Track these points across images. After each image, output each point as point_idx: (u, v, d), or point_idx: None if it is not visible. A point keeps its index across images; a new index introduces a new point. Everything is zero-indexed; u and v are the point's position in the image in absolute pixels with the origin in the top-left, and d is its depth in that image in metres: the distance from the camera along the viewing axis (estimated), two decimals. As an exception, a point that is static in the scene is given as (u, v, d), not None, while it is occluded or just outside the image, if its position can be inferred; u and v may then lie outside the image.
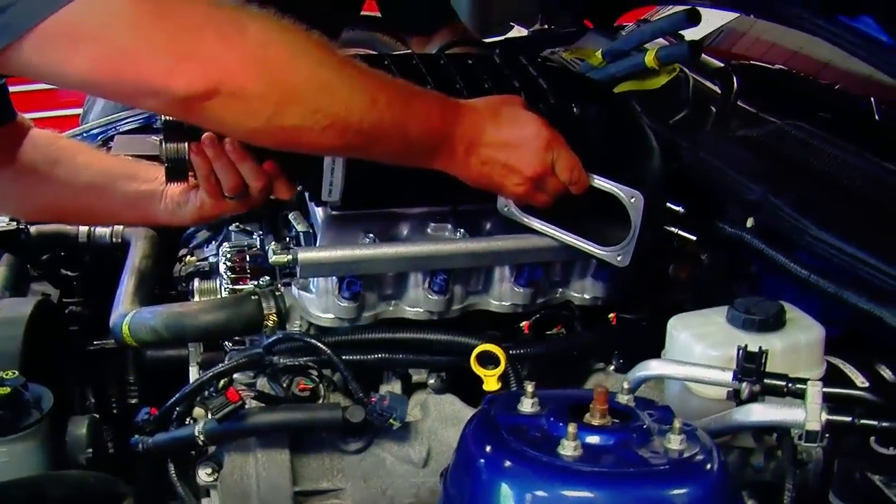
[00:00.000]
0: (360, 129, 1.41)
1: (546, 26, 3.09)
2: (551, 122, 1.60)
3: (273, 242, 1.71)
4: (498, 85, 1.74)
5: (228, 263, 1.94)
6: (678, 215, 1.74)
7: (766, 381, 1.36)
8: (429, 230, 1.75)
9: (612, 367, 1.83)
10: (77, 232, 2.28)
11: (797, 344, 1.50)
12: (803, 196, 1.69)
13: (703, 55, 2.27)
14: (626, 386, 1.31)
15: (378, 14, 2.97)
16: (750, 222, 1.69)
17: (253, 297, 1.75)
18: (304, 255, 1.63)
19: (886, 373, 1.55)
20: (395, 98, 1.44)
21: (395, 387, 1.75)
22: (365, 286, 1.69)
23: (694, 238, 1.73)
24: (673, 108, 2.13)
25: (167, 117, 1.62)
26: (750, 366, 1.36)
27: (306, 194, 1.77)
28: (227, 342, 1.81)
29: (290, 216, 1.87)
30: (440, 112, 1.51)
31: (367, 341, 1.69)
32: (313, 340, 1.64)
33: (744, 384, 1.36)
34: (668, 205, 1.74)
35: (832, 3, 1.72)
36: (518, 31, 3.15)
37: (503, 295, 1.77)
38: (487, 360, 1.63)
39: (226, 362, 1.69)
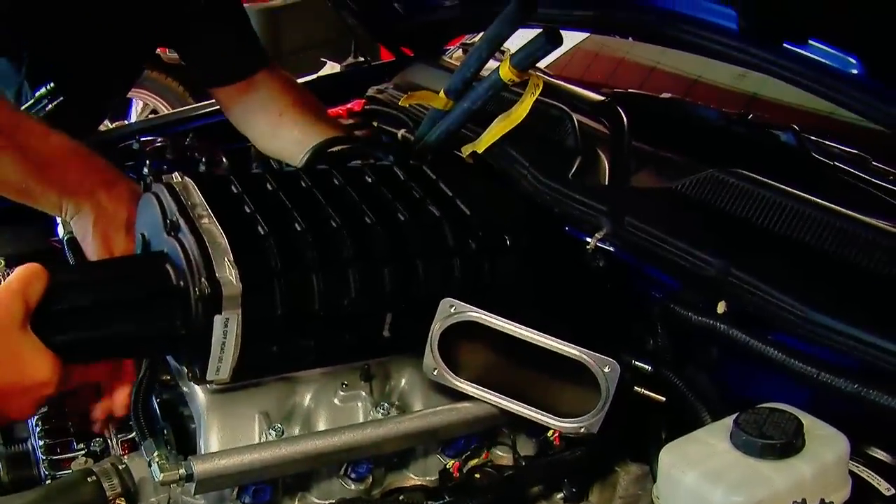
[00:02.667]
0: None
1: (361, 59, 2.71)
2: (481, 257, 1.45)
3: (155, 452, 1.30)
4: (414, 214, 1.49)
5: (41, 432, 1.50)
6: (645, 373, 1.44)
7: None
8: (336, 401, 1.45)
9: (559, 496, 1.48)
10: None
11: (825, 465, 1.21)
12: (774, 266, 1.39)
13: (576, 88, 1.95)
14: None
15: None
16: (721, 307, 1.38)
17: (89, 479, 1.34)
18: (202, 466, 1.24)
19: (881, 454, 1.31)
20: None
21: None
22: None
23: (663, 400, 1.42)
24: (563, 158, 1.78)
25: None
26: (820, 530, 1.03)
27: (184, 371, 1.40)
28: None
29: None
30: None
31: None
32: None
33: (814, 556, 1.03)
34: (637, 363, 1.44)
35: (775, 30, 1.41)
36: (332, 67, 2.76)
37: (429, 469, 1.48)
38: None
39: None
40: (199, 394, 1.40)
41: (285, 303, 1.35)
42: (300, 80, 2.54)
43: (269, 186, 1.51)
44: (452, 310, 1.41)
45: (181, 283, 1.33)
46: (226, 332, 1.31)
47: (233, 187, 1.50)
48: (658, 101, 1.99)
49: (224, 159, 2.31)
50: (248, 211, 1.44)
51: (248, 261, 1.33)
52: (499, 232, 1.51)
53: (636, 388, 1.42)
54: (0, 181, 1.73)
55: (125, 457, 1.42)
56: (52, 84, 2.09)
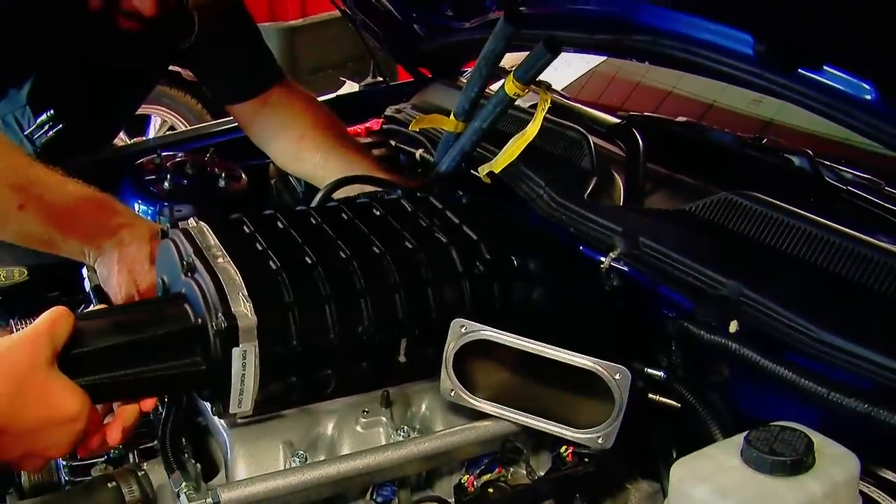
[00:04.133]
0: None
1: (380, 79, 2.74)
2: (490, 280, 1.48)
3: (183, 483, 1.32)
4: (422, 241, 1.53)
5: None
6: (659, 380, 1.45)
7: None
8: (358, 428, 1.47)
9: (569, 511, 1.49)
10: None
11: (836, 484, 1.20)
12: (787, 288, 1.41)
13: (592, 111, 1.97)
14: None
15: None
16: (734, 326, 1.39)
17: (109, 485, 1.35)
18: (229, 495, 1.27)
19: (891, 475, 1.33)
20: None
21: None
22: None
23: (678, 406, 1.44)
24: (579, 179, 1.81)
25: None
26: (830, 547, 1.04)
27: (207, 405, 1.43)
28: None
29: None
30: None
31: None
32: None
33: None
34: (648, 370, 1.46)
35: (790, 55, 1.44)
36: (350, 87, 2.79)
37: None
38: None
39: None
40: (224, 427, 1.43)
41: (300, 333, 1.39)
42: (322, 98, 2.58)
43: (279, 224, 1.56)
44: (463, 329, 1.43)
45: (199, 320, 1.37)
46: (244, 365, 1.35)
47: (245, 227, 1.54)
48: (674, 124, 2.02)
49: (243, 175, 2.35)
50: (260, 248, 1.48)
51: (261, 294, 1.37)
52: (506, 255, 1.53)
53: (650, 395, 1.43)
54: (24, 235, 1.81)
55: (144, 464, 1.44)
56: (52, 111, 2.13)
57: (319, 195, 1.87)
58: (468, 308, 1.49)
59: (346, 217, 1.61)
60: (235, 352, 1.34)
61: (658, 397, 1.46)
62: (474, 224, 1.59)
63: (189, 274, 1.43)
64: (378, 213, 1.63)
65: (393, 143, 2.41)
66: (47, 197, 1.78)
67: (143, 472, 1.40)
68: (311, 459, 1.43)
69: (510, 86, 1.82)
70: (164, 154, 2.33)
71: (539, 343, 1.40)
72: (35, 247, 1.83)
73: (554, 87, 2.08)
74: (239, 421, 1.42)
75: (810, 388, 1.29)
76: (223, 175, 2.28)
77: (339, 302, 1.42)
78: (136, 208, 2.21)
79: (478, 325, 1.43)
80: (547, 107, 1.83)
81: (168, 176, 2.24)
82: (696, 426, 1.42)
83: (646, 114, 2.09)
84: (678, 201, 1.75)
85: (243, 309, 1.35)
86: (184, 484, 1.32)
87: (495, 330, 1.42)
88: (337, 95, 2.74)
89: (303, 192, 2.33)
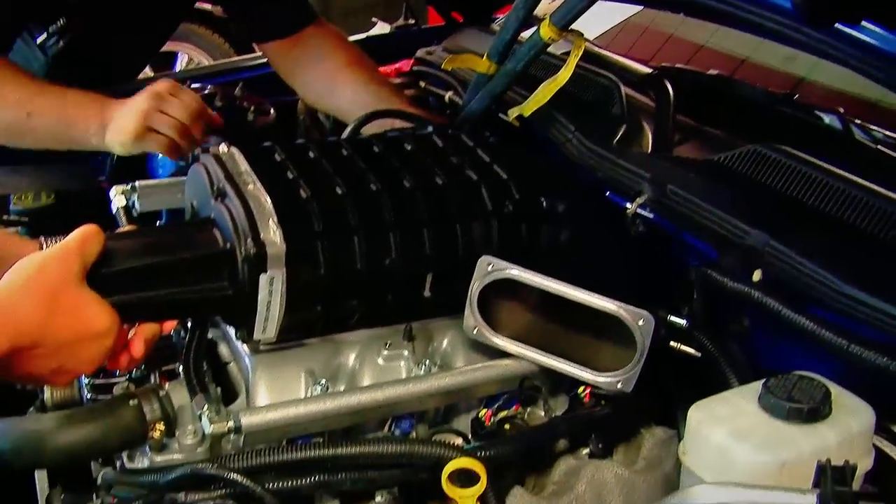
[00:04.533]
0: None
1: (411, 21, 2.73)
2: (518, 220, 1.48)
3: (205, 405, 1.34)
4: (453, 177, 1.53)
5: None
6: (681, 329, 1.45)
7: (861, 505, 1.07)
8: (380, 360, 1.48)
9: (585, 452, 1.51)
10: None
11: (850, 433, 1.23)
12: (812, 241, 1.41)
13: (624, 60, 1.97)
14: None
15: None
16: (757, 275, 1.40)
17: (130, 402, 1.35)
18: (250, 419, 1.30)
19: None
20: None
21: (333, 508, 1.37)
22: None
23: (699, 354, 1.44)
24: (609, 125, 1.81)
25: None
26: (842, 489, 1.05)
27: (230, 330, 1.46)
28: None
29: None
30: None
31: (300, 462, 1.29)
32: (234, 476, 1.24)
33: (834, 513, 1.06)
34: (670, 318, 1.46)
35: (828, 10, 1.43)
36: (381, 28, 2.78)
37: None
38: (462, 477, 1.27)
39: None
40: (247, 353, 1.45)
41: (328, 262, 1.40)
42: (353, 38, 2.58)
43: (311, 154, 1.56)
44: (490, 268, 1.44)
45: (228, 245, 1.38)
46: (271, 292, 1.36)
47: (276, 155, 1.55)
48: (705, 76, 2.01)
49: (272, 110, 2.35)
50: (291, 177, 1.48)
51: (291, 222, 1.38)
52: (536, 195, 1.54)
53: (672, 342, 1.44)
54: (41, 139, 1.90)
55: (166, 384, 1.46)
56: (63, 21, 2.14)
57: (350, 127, 1.87)
58: (495, 247, 1.50)
59: (377, 150, 1.61)
60: (263, 278, 1.35)
61: (679, 345, 1.47)
62: (505, 164, 1.58)
63: (219, 199, 1.44)
64: (409, 147, 1.63)
65: (422, 84, 2.41)
66: (53, 100, 1.89)
67: (164, 392, 1.41)
68: (332, 389, 1.44)
69: (546, 30, 1.81)
70: (193, 86, 2.33)
71: (565, 284, 1.41)
72: (57, 146, 1.92)
73: (586, 36, 2.08)
74: (262, 348, 1.44)
75: (830, 340, 1.30)
76: (252, 108, 2.28)
77: (367, 233, 1.43)
78: (165, 138, 2.22)
79: (504, 263, 1.44)
80: (580, 53, 1.82)
81: (197, 107, 2.24)
82: (714, 375, 1.43)
83: (677, 65, 2.08)
84: (706, 153, 1.75)
85: (272, 236, 1.36)
86: (206, 406, 1.34)
87: (522, 269, 1.43)
88: (368, 36, 2.73)
89: (330, 129, 2.33)
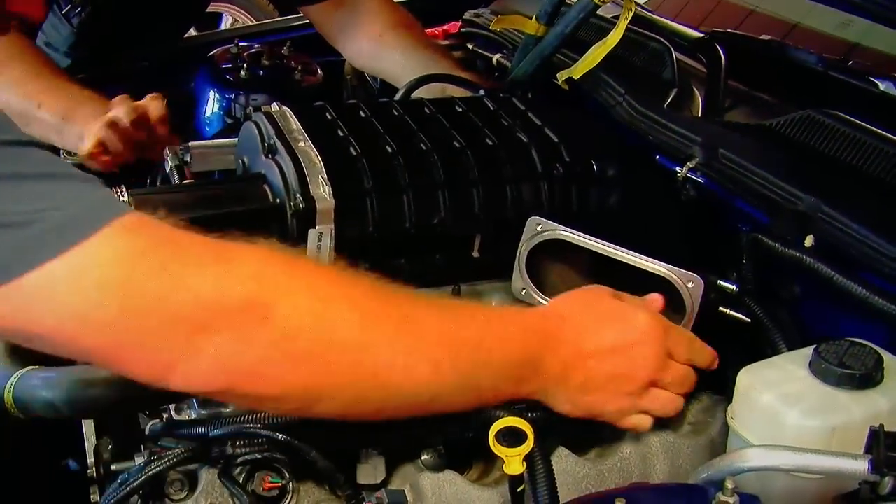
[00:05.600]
0: (415, 404, 1.14)
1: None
2: (568, 182, 1.45)
3: None
4: (503, 139, 1.53)
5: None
6: (731, 294, 1.43)
7: (913, 471, 1.06)
8: None
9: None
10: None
11: (902, 401, 1.21)
12: (866, 207, 1.40)
13: (675, 24, 1.95)
14: (729, 486, 1.04)
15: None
16: (809, 241, 1.39)
17: None
18: None
19: None
20: (461, 351, 1.15)
21: (377, 464, 1.37)
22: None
23: (749, 321, 1.42)
24: (659, 89, 1.80)
25: None
26: (895, 454, 1.05)
27: None
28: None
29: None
30: (521, 341, 1.21)
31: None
32: (278, 435, 1.24)
33: (886, 479, 1.05)
34: (721, 282, 1.43)
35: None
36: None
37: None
38: (509, 436, 1.28)
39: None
40: None
41: (377, 220, 1.41)
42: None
43: (362, 114, 1.57)
44: (539, 228, 1.44)
45: (278, 200, 1.40)
46: (319, 247, 1.38)
47: (328, 115, 1.56)
48: (756, 41, 1.98)
49: (319, 70, 2.35)
50: (341, 135, 1.49)
51: (341, 179, 1.40)
52: (587, 158, 1.53)
53: (721, 308, 1.43)
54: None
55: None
56: None
57: (401, 91, 1.87)
58: (545, 208, 1.50)
59: (428, 111, 1.61)
60: (312, 233, 1.37)
61: (728, 311, 1.46)
62: (556, 127, 1.58)
63: (270, 155, 1.46)
64: (460, 109, 1.63)
65: (470, 46, 2.40)
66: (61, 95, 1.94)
67: None
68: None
69: (598, -13, 1.79)
70: (240, 45, 2.34)
71: (614, 246, 1.41)
72: (59, 142, 1.95)
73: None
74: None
75: (884, 307, 1.28)
76: (299, 68, 2.29)
77: (416, 191, 1.44)
78: (212, 96, 2.24)
79: (553, 224, 1.44)
80: (630, 15, 1.81)
81: (244, 65, 2.25)
82: (764, 341, 1.42)
83: (728, 30, 2.06)
84: (758, 118, 1.73)
85: (322, 191, 1.38)
86: None
87: (571, 230, 1.43)
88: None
89: (378, 91, 2.33)
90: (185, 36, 2.72)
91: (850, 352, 1.23)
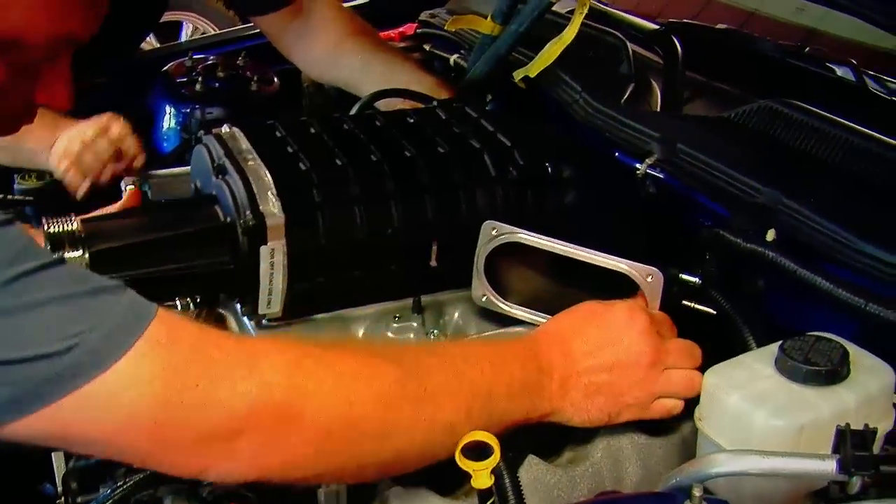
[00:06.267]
0: (432, 460, 1.20)
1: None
2: (523, 185, 1.45)
3: None
4: (455, 146, 1.52)
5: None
6: (694, 287, 1.41)
7: (882, 469, 1.04)
8: (389, 333, 1.47)
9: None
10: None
11: (870, 395, 1.19)
12: (827, 197, 1.38)
13: (631, 17, 1.93)
14: (696, 494, 1.02)
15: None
16: (771, 235, 1.37)
17: None
18: None
19: None
20: (473, 407, 1.20)
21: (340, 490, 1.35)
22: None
23: (713, 313, 1.40)
24: (616, 84, 1.78)
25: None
26: (862, 453, 1.03)
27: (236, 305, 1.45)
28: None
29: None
30: (521, 377, 1.24)
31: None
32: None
33: (854, 478, 1.03)
34: (682, 276, 1.42)
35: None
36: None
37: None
38: (475, 450, 1.26)
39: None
40: (253, 329, 1.44)
41: (328, 232, 1.39)
42: (354, 2, 2.54)
43: (312, 130, 1.56)
44: (494, 232, 1.42)
45: (228, 219, 1.39)
46: (272, 264, 1.36)
47: (277, 132, 1.54)
48: (713, 31, 1.97)
49: (276, 79, 2.32)
50: (291, 151, 1.48)
51: (290, 193, 1.38)
52: (540, 161, 1.51)
53: (685, 301, 1.41)
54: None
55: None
56: None
57: (356, 107, 1.85)
58: (500, 213, 1.47)
59: (378, 123, 1.60)
60: (263, 250, 1.35)
61: (693, 304, 1.44)
62: (509, 132, 1.56)
63: (220, 176, 1.44)
64: (412, 120, 1.61)
65: (427, 47, 2.38)
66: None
67: None
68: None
69: (550, -18, 1.78)
70: (195, 57, 2.30)
71: (571, 245, 1.39)
72: (13, 162, 1.96)
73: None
74: (266, 322, 1.43)
75: (848, 299, 1.27)
76: (255, 78, 2.26)
77: (367, 202, 1.42)
78: (168, 111, 2.20)
79: (509, 227, 1.41)
80: (585, 11, 1.79)
81: (199, 78, 2.22)
82: (730, 336, 1.41)
83: (684, 21, 2.04)
84: (717, 109, 1.72)
85: (271, 207, 1.36)
86: None
87: (527, 232, 1.41)
88: (370, 0, 2.69)
89: (335, 98, 2.30)
90: (142, 49, 2.68)
91: (815, 347, 1.21)
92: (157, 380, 1.01)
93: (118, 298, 1.04)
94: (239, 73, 2.27)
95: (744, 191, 1.44)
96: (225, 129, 1.55)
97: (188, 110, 2.17)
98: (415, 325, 1.47)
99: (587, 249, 1.38)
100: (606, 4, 2.08)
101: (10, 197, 1.95)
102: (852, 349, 1.22)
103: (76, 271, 1.07)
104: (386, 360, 1.17)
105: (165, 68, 2.30)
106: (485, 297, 1.45)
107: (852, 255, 1.30)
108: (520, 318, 1.44)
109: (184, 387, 1.02)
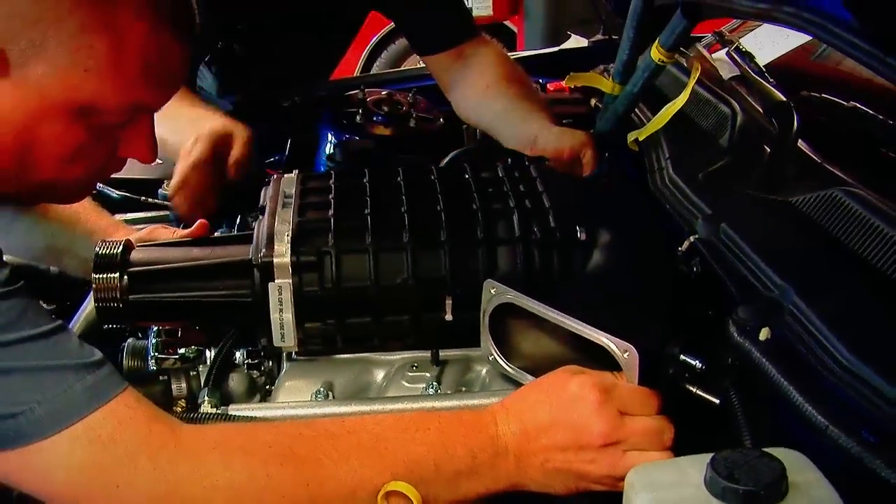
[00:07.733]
0: None
1: (607, 36, 2.66)
2: (546, 249, 1.46)
3: (207, 398, 1.46)
4: (489, 203, 1.55)
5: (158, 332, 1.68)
6: (696, 371, 1.32)
7: None
8: (404, 382, 1.50)
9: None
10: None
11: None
12: (840, 302, 1.24)
13: (766, 84, 1.81)
14: None
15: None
16: (764, 334, 1.25)
17: (161, 378, 1.54)
18: (237, 412, 1.39)
19: None
20: (430, 486, 1.23)
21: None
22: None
23: (717, 402, 1.30)
24: (712, 155, 1.68)
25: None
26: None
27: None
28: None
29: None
30: (467, 454, 1.25)
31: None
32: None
33: None
34: (685, 358, 1.33)
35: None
36: (577, 42, 2.73)
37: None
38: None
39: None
40: (283, 359, 1.53)
41: (337, 277, 1.46)
42: (544, 51, 2.56)
43: (364, 179, 1.62)
44: (493, 291, 1.40)
45: (250, 256, 1.48)
46: (281, 300, 1.44)
47: (331, 182, 1.62)
48: (840, 108, 1.79)
49: (441, 118, 2.38)
50: (328, 198, 1.56)
51: (304, 237, 1.47)
52: (571, 224, 1.48)
53: (689, 386, 1.33)
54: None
55: (200, 366, 1.58)
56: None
57: (446, 160, 1.89)
58: (519, 273, 1.46)
59: (430, 177, 1.63)
60: (272, 286, 1.44)
61: (696, 390, 1.34)
62: (557, 194, 1.55)
63: (260, 215, 1.56)
64: (467, 176, 1.63)
65: (593, 101, 2.35)
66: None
67: (194, 374, 1.55)
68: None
69: (654, 52, 1.74)
70: (367, 90, 2.41)
71: (558, 312, 1.34)
72: None
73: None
74: (295, 358, 1.52)
75: (811, 417, 1.13)
76: (414, 115, 2.33)
77: (379, 252, 1.46)
78: (329, 138, 2.32)
79: (506, 287, 1.39)
80: (697, 75, 1.72)
81: (360, 110, 2.32)
82: (729, 428, 1.29)
83: (812, 94, 1.87)
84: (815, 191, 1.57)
85: (282, 248, 1.45)
86: (207, 399, 1.45)
87: (520, 294, 1.38)
88: (561, 49, 2.69)
89: (479, 140, 2.33)
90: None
91: (751, 464, 1.09)
92: (85, 471, 1.15)
93: (81, 378, 1.16)
94: (402, 108, 2.35)
95: (762, 281, 1.32)
96: (295, 173, 1.66)
97: (343, 139, 2.27)
98: (427, 374, 1.49)
99: (572, 318, 1.33)
100: (752, 70, 1.94)
101: (149, 200, 2.13)
102: (805, 472, 1.10)
103: (58, 346, 1.19)
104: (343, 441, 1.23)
105: (341, 96, 2.42)
106: (491, 357, 1.44)
107: (835, 368, 1.16)
108: (520, 381, 1.41)
109: (105, 485, 1.15)
